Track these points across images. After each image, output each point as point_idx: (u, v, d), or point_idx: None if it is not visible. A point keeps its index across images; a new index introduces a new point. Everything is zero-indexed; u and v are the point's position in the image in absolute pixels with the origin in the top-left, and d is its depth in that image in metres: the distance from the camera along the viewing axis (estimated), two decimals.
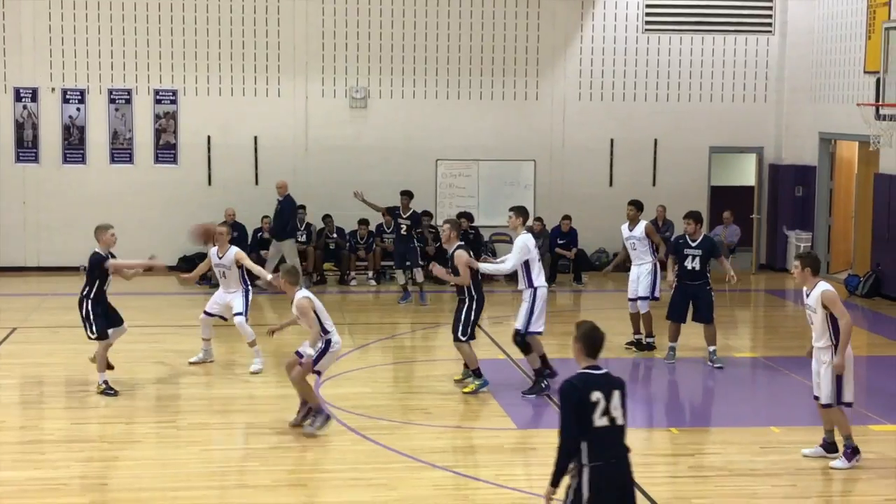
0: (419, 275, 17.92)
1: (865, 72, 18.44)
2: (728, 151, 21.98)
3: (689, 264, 13.65)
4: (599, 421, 6.61)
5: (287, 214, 19.02)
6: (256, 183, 20.69)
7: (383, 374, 13.60)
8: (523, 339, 12.36)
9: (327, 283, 19.89)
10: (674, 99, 21.54)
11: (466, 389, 12.33)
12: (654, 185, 21.49)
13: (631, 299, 14.43)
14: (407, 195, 18.55)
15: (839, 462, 10.06)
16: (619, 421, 6.68)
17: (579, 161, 21.33)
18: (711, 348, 13.78)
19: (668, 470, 10.07)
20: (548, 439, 10.67)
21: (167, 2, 20.37)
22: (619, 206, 20.63)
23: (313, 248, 19.87)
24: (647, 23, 21.38)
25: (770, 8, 21.52)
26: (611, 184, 21.50)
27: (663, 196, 21.02)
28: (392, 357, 14.61)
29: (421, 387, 12.97)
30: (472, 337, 12.36)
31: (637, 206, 14.61)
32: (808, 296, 10.01)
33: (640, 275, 14.38)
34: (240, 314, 13.34)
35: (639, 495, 8.27)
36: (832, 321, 9.83)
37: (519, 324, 12.40)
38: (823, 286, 9.94)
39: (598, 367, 6.78)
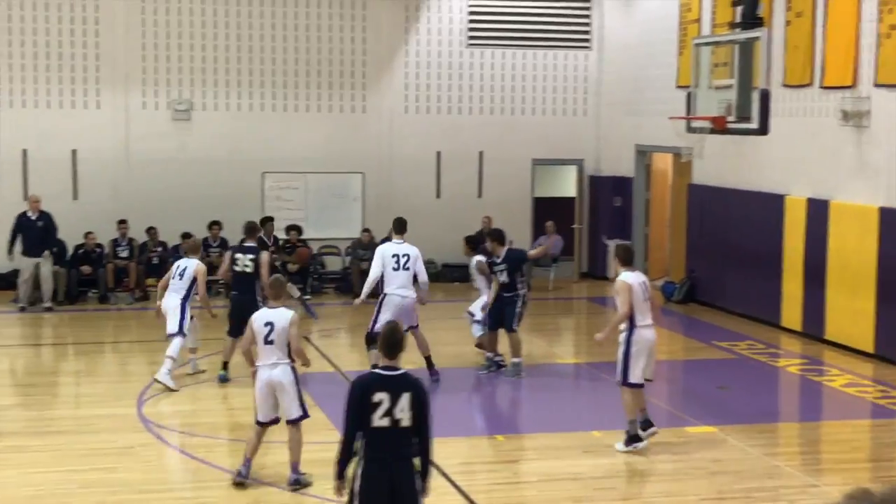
0: (293, 290, 17.54)
1: (678, 86, 19.12)
2: (550, 164, 22.47)
3: (500, 278, 14.00)
4: (379, 421, 6.66)
5: (46, 230, 18.51)
6: (75, 198, 20.08)
7: (210, 390, 13.37)
8: (371, 338, 12.98)
9: (150, 298, 19.38)
10: (498, 112, 21.90)
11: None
12: (479, 196, 21.78)
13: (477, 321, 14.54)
14: (269, 221, 18.69)
15: (619, 445, 10.77)
16: (405, 423, 6.70)
17: (407, 173, 21.46)
18: (516, 360, 13.91)
19: (491, 477, 10.20)
20: None
21: None
22: (447, 217, 21.00)
23: (136, 264, 19.37)
24: (471, 37, 21.68)
25: (588, 24, 22.11)
26: (438, 195, 21.70)
27: (489, 207, 21.33)
28: (217, 372, 14.34)
29: (248, 403, 12.77)
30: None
31: (469, 242, 14.94)
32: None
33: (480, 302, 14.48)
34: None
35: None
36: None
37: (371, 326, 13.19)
38: (621, 277, 10.64)
39: (394, 368, 6.81)
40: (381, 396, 6.65)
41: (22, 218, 18.59)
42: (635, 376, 10.70)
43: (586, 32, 22.13)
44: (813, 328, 16.00)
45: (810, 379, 14.08)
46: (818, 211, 15.89)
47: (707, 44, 15.43)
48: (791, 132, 16.51)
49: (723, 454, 10.74)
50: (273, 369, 9.59)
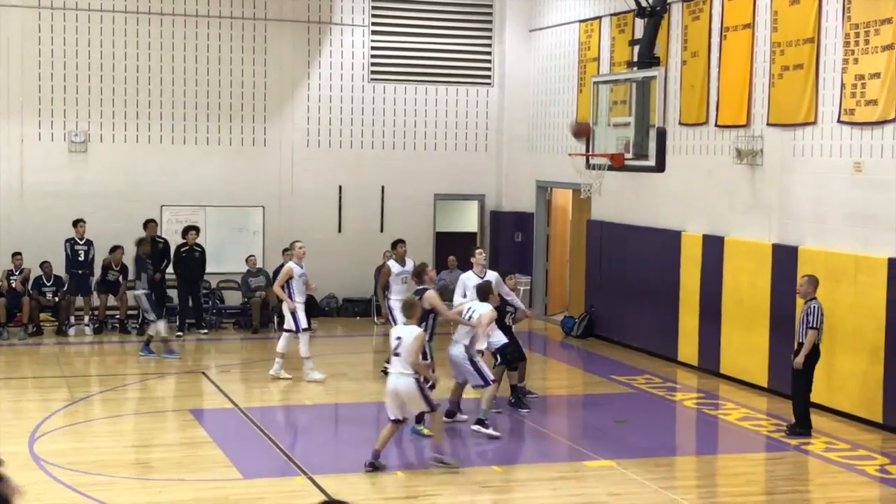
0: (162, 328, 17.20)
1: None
2: (452, 199, 22.58)
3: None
4: None
5: None
6: None
7: (102, 427, 13.09)
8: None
9: (43, 333, 18.93)
10: (399, 147, 21.95)
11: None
12: (381, 230, 21.77)
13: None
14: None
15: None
16: None
17: (308, 207, 21.36)
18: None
19: None
20: (276, 488, 10.59)
21: None
22: (349, 252, 20.95)
23: (28, 299, 18.89)
24: (373, 72, 21.74)
25: (489, 61, 22.33)
26: (340, 230, 21.64)
27: (391, 241, 21.26)
28: (113, 410, 14.07)
29: (143, 440, 12.55)
30: None
31: (404, 243, 15.76)
32: None
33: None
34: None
35: None
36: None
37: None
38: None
39: None
40: None
41: None
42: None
43: (488, 69, 22.36)
44: (709, 362, 16.28)
45: (706, 413, 14.31)
46: (713, 247, 16.22)
47: (605, 82, 15.69)
48: (687, 169, 16.86)
49: (621, 488, 10.84)
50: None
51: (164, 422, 13.36)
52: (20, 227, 19.57)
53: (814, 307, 12.75)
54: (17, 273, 18.92)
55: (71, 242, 19.27)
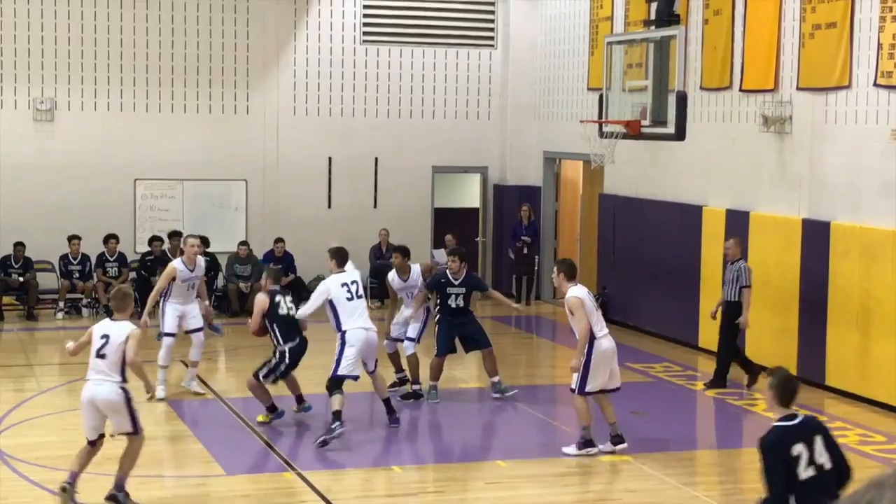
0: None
1: (589, 88, 19.31)
2: (452, 171, 22.51)
3: (453, 302, 13.96)
4: (805, 473, 6.95)
5: None
6: None
7: (72, 419, 13.04)
8: (333, 383, 12.20)
9: (4, 319, 18.87)
10: (394, 115, 21.86)
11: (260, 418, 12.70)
12: (375, 206, 21.71)
13: (392, 338, 14.21)
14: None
15: (571, 448, 11.39)
16: (827, 466, 7.01)
17: (295, 181, 21.28)
18: (495, 378, 14.06)
19: None
20: (262, 485, 10.55)
21: None
22: (339, 229, 20.82)
23: None
24: (366, 33, 21.63)
25: (492, 21, 22.22)
26: (329, 205, 21.57)
27: (386, 219, 21.28)
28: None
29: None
30: (275, 381, 12.67)
31: (404, 252, 14.34)
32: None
33: (412, 319, 14.06)
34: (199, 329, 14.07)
35: None
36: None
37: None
38: (572, 292, 11.31)
39: (793, 416, 7.18)
40: (799, 449, 6.99)
41: None
42: (592, 386, 11.41)
43: (490, 30, 22.25)
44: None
45: (730, 403, 14.28)
46: (738, 223, 16.15)
47: (620, 42, 15.61)
48: (709, 138, 16.78)
49: (637, 484, 10.82)
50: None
51: (141, 414, 13.27)
52: None
53: (743, 267, 14.46)
54: None
55: (65, 261, 19.23)
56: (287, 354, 12.51)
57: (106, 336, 9.86)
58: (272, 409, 12.67)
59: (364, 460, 11.78)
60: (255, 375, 12.53)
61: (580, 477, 11.11)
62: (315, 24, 21.37)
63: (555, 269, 11.79)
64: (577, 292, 11.39)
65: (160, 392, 13.18)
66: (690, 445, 12.68)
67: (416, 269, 14.12)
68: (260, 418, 12.65)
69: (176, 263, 14.13)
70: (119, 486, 9.93)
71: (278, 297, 12.70)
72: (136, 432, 9.94)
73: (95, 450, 10.02)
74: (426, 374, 13.91)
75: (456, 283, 13.95)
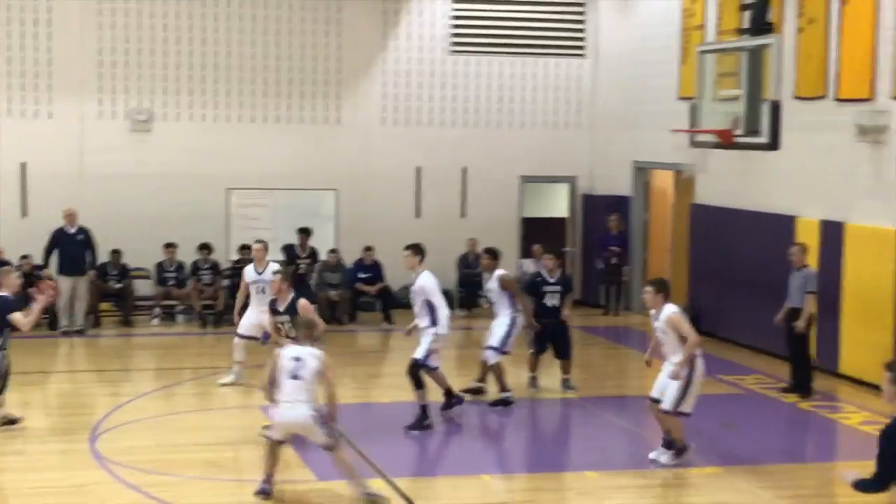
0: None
1: (679, 98, 19.18)
2: (540, 181, 22.50)
3: (548, 301, 14.42)
4: None
5: (88, 246, 18.81)
6: (24, 214, 19.98)
7: (169, 423, 13.28)
8: (418, 372, 12.81)
9: (102, 325, 19.28)
10: (483, 125, 21.92)
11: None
12: (462, 216, 21.78)
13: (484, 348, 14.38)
14: (305, 233, 19.72)
15: (665, 457, 11.40)
16: None
17: (384, 190, 21.43)
18: (566, 376, 14.78)
19: None
20: (352, 491, 10.64)
21: None
22: (427, 238, 20.77)
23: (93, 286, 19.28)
24: (454, 43, 21.72)
25: (582, 30, 22.18)
26: (417, 214, 21.69)
27: (473, 228, 21.34)
28: (178, 405, 14.28)
29: (211, 437, 12.70)
30: None
31: (492, 253, 14.45)
32: (657, 318, 11.45)
33: (495, 326, 14.23)
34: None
35: None
36: (684, 340, 11.26)
37: (418, 354, 12.88)
38: (669, 309, 11.33)
39: None
40: None
41: (59, 233, 18.72)
42: (688, 406, 11.43)
43: (580, 38, 22.21)
44: (826, 361, 16.01)
45: (823, 416, 14.09)
46: (832, 234, 15.94)
47: (712, 51, 15.51)
48: (803, 148, 16.57)
49: (728, 497, 10.73)
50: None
51: (234, 419, 13.50)
52: (80, 211, 19.77)
53: (810, 273, 14.65)
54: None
55: (160, 268, 19.76)
56: None
57: (299, 359, 10.19)
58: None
59: (453, 468, 11.83)
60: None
61: (671, 489, 11.04)
62: (405, 35, 21.51)
63: (650, 287, 11.62)
64: (675, 308, 11.50)
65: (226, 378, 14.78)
66: (782, 458, 12.51)
67: (497, 273, 14.20)
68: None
69: (247, 267, 15.16)
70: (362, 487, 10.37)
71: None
72: (334, 446, 10.27)
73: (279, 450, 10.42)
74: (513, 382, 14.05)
75: (552, 281, 14.16)
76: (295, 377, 10.13)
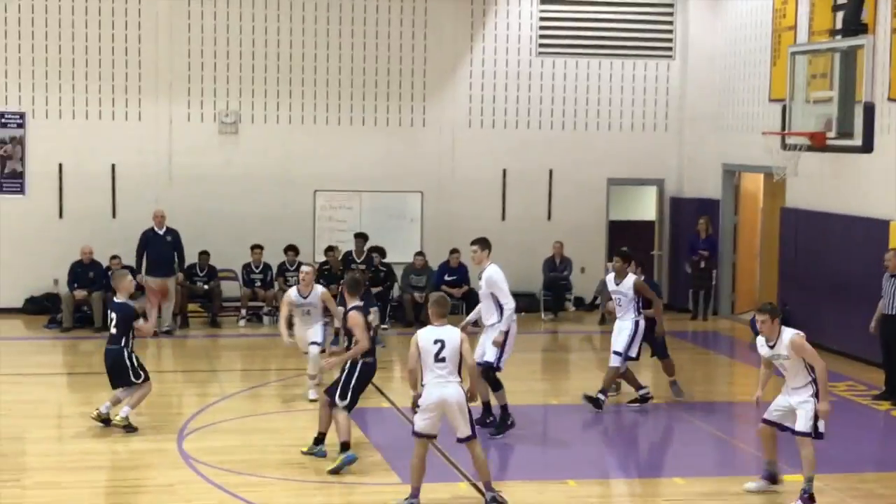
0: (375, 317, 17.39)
1: (770, 100, 18.93)
2: (627, 184, 22.34)
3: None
4: None
5: (176, 247, 19.16)
6: (114, 216, 20.33)
7: (255, 424, 13.41)
8: (495, 374, 12.72)
9: (189, 325, 19.53)
10: (570, 127, 21.82)
11: (329, 467, 11.38)
12: (549, 219, 21.71)
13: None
14: (362, 238, 19.82)
15: (756, 485, 10.94)
16: None
17: (469, 193, 21.43)
18: (672, 378, 14.77)
19: None
20: (437, 495, 10.65)
21: (14, 15, 19.95)
22: (512, 242, 20.88)
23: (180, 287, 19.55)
24: (542, 45, 21.66)
25: (671, 31, 21.99)
26: (503, 217, 21.66)
27: (560, 231, 21.27)
28: (265, 406, 14.40)
29: (296, 439, 12.78)
30: (352, 406, 11.65)
31: (624, 256, 14.25)
32: (772, 346, 10.76)
33: (620, 330, 14.12)
34: (316, 343, 14.15)
35: None
36: (808, 364, 10.70)
37: (490, 357, 12.71)
38: (789, 334, 10.74)
39: None
40: None
41: (149, 234, 19.12)
42: (823, 426, 10.85)
43: (669, 40, 22.02)
44: None
45: None
46: None
47: (804, 52, 15.30)
48: None
49: None
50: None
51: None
52: (168, 211, 20.02)
53: None
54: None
55: (247, 270, 19.97)
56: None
57: (440, 341, 10.27)
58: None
59: (538, 472, 11.78)
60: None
61: (761, 496, 10.89)
62: (491, 37, 21.51)
63: (766, 315, 10.73)
64: (796, 332, 10.81)
65: (311, 394, 14.18)
66: (874, 467, 12.30)
67: (632, 278, 14.09)
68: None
69: (290, 290, 14.55)
70: (487, 486, 10.37)
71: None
72: (472, 436, 10.35)
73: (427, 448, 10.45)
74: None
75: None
76: (440, 359, 10.22)
